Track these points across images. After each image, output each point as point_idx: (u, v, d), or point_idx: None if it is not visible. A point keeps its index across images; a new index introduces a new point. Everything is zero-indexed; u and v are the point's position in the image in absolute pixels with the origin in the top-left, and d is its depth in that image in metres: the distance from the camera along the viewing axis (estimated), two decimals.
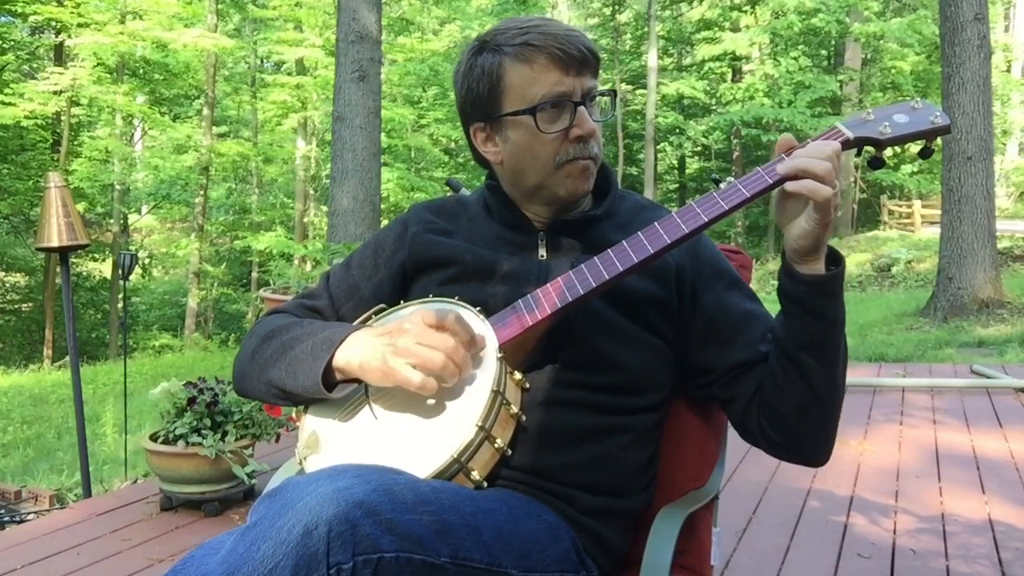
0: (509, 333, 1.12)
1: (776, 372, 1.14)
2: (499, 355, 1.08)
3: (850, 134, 1.10)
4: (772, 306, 1.18)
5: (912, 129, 1.11)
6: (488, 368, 1.08)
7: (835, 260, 1.09)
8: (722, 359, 1.21)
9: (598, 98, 1.21)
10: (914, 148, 1.17)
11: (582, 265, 1.13)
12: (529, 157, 1.19)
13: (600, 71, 1.22)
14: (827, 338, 1.10)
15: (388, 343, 1.06)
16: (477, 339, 1.09)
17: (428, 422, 1.08)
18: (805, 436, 1.16)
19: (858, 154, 1.14)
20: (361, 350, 1.08)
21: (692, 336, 1.23)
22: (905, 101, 1.15)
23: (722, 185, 1.10)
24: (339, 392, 1.14)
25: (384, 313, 1.21)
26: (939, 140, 1.18)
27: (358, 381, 1.12)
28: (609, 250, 1.12)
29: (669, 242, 1.09)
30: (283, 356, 1.16)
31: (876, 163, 1.14)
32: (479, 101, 1.20)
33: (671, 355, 1.23)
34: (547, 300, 1.12)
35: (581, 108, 1.16)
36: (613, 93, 1.26)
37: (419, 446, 1.06)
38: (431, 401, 1.09)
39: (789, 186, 1.04)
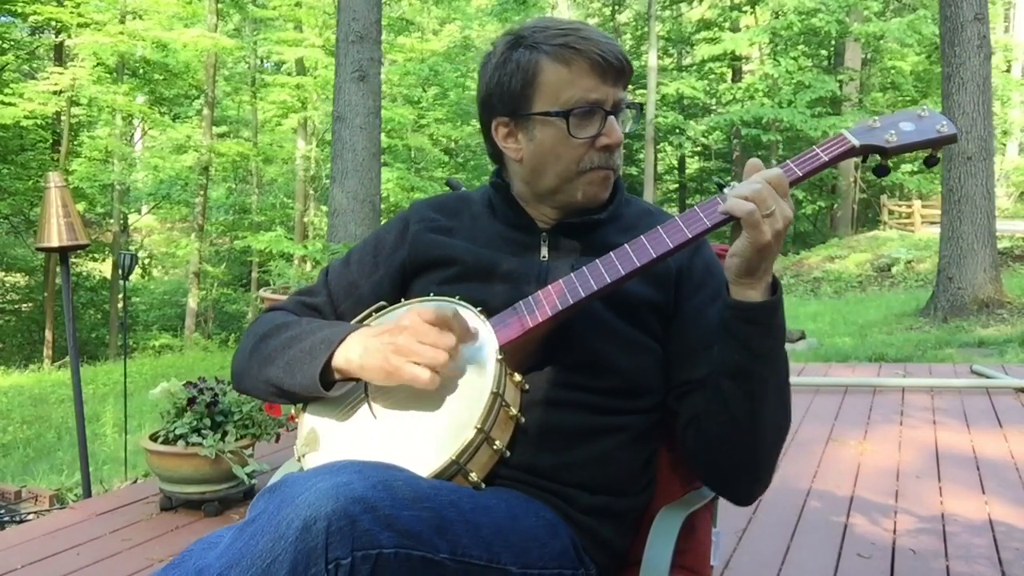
0: (509, 335, 1.12)
1: (707, 394, 1.12)
2: (499, 357, 1.08)
3: (856, 142, 1.10)
4: None
5: (918, 138, 1.11)
6: (488, 369, 1.08)
7: (775, 292, 1.06)
8: (677, 370, 1.20)
9: (625, 109, 1.21)
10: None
11: (583, 268, 1.13)
12: (553, 159, 1.19)
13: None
14: (753, 370, 1.06)
15: (388, 342, 1.06)
16: (472, 332, 1.09)
17: (427, 423, 1.08)
18: (723, 468, 1.13)
19: (864, 161, 1.14)
20: (361, 350, 1.08)
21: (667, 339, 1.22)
22: (911, 109, 1.15)
23: (725, 190, 1.10)
24: (337, 391, 1.14)
25: (384, 311, 1.21)
26: None
27: (357, 380, 1.12)
28: (611, 253, 1.12)
29: (672, 246, 1.09)
30: (281, 355, 1.16)
31: (881, 171, 1.14)
32: (508, 96, 1.19)
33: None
34: (547, 302, 1.12)
35: (611, 118, 1.17)
36: (639, 107, 1.26)
37: (418, 446, 1.06)
38: (431, 402, 1.08)
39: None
